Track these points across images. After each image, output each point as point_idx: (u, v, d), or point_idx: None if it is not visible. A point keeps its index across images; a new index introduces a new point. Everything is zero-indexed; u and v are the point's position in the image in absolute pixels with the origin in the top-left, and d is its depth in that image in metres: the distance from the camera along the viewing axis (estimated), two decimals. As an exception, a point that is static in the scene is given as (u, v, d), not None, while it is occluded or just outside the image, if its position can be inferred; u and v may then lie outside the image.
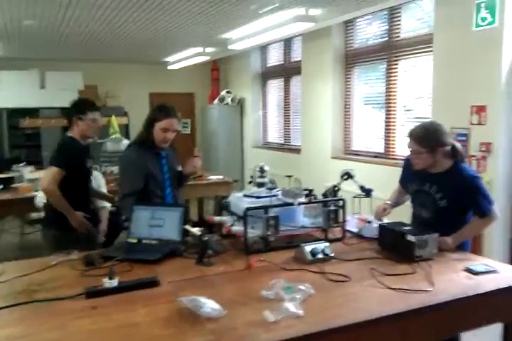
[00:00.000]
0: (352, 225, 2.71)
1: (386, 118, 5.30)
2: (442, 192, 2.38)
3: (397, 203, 2.75)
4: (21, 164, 5.16)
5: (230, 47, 5.58)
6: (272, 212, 2.34)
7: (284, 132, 7.56)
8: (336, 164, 5.96)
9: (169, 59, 8.14)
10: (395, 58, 5.10)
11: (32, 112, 7.67)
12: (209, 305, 1.61)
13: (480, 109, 3.84)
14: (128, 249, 2.32)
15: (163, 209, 2.44)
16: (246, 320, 1.58)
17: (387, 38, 5.18)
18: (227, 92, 8.38)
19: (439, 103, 4.31)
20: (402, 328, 1.67)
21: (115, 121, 6.03)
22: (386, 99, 5.27)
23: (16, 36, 5.96)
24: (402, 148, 5.08)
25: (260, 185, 2.43)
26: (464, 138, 3.97)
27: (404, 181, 2.69)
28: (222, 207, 2.60)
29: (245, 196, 2.51)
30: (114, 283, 1.86)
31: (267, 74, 7.94)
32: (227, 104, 8.35)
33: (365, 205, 2.84)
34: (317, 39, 6.10)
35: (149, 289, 1.89)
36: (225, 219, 2.53)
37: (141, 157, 2.72)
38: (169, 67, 8.47)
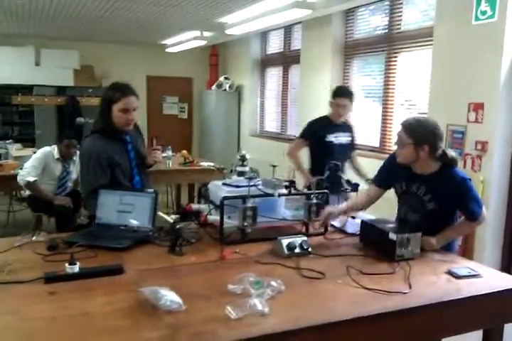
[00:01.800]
0: (336, 220, 2.61)
1: (383, 111, 5.19)
2: (431, 195, 2.25)
3: (350, 208, 2.50)
4: (8, 141, 5.04)
5: (227, 31, 5.44)
6: (251, 203, 2.24)
7: (281, 122, 7.43)
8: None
9: (167, 42, 7.99)
10: (394, 51, 4.98)
11: (26, 89, 7.57)
12: (168, 298, 1.51)
13: (477, 107, 3.73)
14: (95, 235, 2.21)
15: (132, 194, 2.33)
16: (207, 315, 1.49)
17: (387, 30, 5.04)
18: (226, 78, 8.24)
19: (436, 99, 4.20)
20: (371, 332, 1.57)
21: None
22: (384, 93, 5.15)
23: (12, 12, 5.81)
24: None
25: (241, 173, 2.32)
26: (459, 136, 3.87)
27: (386, 179, 2.46)
28: (202, 194, 2.50)
29: (224, 184, 2.41)
30: (75, 268, 1.77)
31: (267, 62, 7.79)
32: (225, 90, 8.22)
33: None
34: (317, 28, 5.96)
35: (113, 277, 1.79)
36: (203, 207, 2.43)
37: (104, 147, 2.45)
38: (167, 50, 8.31)
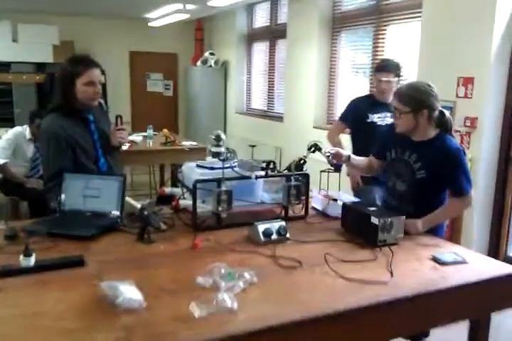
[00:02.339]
0: (317, 202, 2.48)
1: (370, 87, 5.01)
2: (421, 162, 2.16)
3: (356, 164, 2.47)
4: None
5: (209, 3, 5.19)
6: (226, 186, 2.10)
7: (267, 99, 7.24)
8: (319, 134, 5.70)
9: (150, 15, 7.68)
10: (383, 23, 4.78)
11: (3, 67, 7.29)
12: (127, 295, 1.38)
13: (467, 81, 3.58)
14: (58, 223, 2.07)
15: (98, 177, 2.17)
16: (169, 313, 1.36)
17: (376, 1, 4.83)
18: (211, 54, 7.99)
19: (424, 73, 4.02)
20: (348, 327, 1.46)
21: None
22: (371, 68, 4.97)
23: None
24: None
25: (216, 154, 2.17)
26: (448, 112, 3.72)
27: (382, 149, 2.39)
28: (176, 177, 2.36)
29: (198, 166, 2.27)
30: (30, 261, 1.63)
31: (253, 37, 7.54)
32: (210, 66, 7.97)
33: (334, 181, 2.61)
34: (304, 0, 5.72)
35: (73, 269, 1.66)
36: (177, 190, 2.29)
37: (63, 126, 2.27)
38: (150, 24, 8.01)
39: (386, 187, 2.42)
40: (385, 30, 4.79)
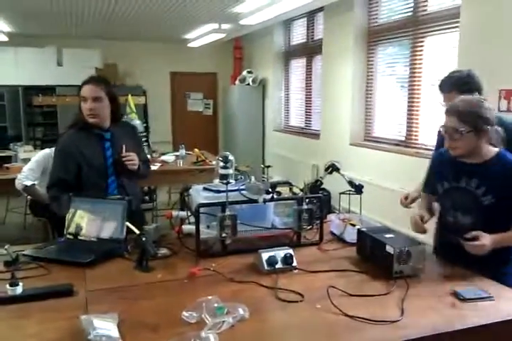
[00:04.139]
0: (335, 226, 2.32)
1: (409, 102, 4.79)
2: (486, 186, 1.88)
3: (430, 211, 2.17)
4: (19, 143, 4.98)
5: (241, 22, 5.17)
6: (232, 210, 1.98)
7: (305, 115, 7.11)
8: (355, 151, 5.53)
9: (188, 36, 7.79)
10: (420, 35, 4.58)
11: (49, 90, 7.56)
12: (100, 332, 1.28)
13: (510, 94, 3.32)
14: (60, 248, 2.01)
15: (103, 201, 2.12)
16: (142, 354, 1.25)
17: (412, 13, 4.64)
18: (249, 72, 7.98)
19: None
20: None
21: (132, 100, 5.75)
22: (410, 82, 4.75)
23: (32, 13, 5.77)
24: (426, 135, 4.59)
25: (223, 177, 2.06)
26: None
27: (434, 182, 2.09)
28: (183, 200, 2.26)
29: (204, 189, 2.16)
30: (17, 290, 1.57)
31: (290, 54, 7.47)
32: (248, 84, 7.95)
33: (355, 203, 2.44)
34: (339, 14, 5.61)
35: (60, 299, 1.58)
36: (184, 214, 2.19)
37: (76, 141, 2.37)
38: (189, 45, 8.12)
39: (443, 225, 2.10)
40: (422, 41, 4.59)
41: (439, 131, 2.18)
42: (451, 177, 1.98)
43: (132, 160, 2.38)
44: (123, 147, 2.39)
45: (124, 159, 2.36)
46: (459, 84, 2.32)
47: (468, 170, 1.93)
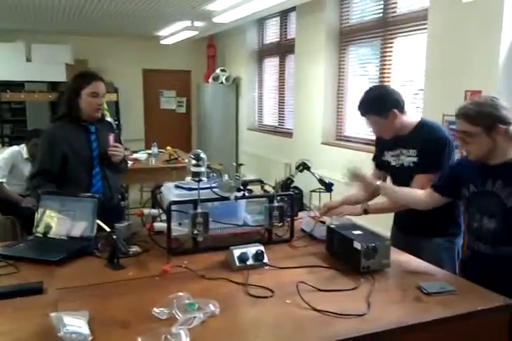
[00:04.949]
0: (305, 224, 2.36)
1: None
2: (510, 187, 1.78)
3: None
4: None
5: (214, 19, 5.17)
6: (204, 208, 2.00)
7: (278, 114, 7.16)
8: (326, 150, 5.59)
9: (161, 33, 7.73)
10: (390, 36, 4.66)
11: (17, 86, 7.39)
12: (70, 329, 1.28)
13: (474, 95, 3.42)
14: (29, 246, 1.99)
15: (73, 199, 2.10)
16: (112, 350, 1.26)
17: (382, 14, 4.73)
18: (222, 71, 7.97)
19: (431, 87, 3.89)
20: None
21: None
22: (380, 82, 4.84)
23: (0, 7, 5.63)
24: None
25: (195, 174, 2.07)
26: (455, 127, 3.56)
27: (456, 188, 1.98)
28: (155, 198, 2.27)
29: (176, 187, 2.17)
30: (-15, 289, 1.56)
31: (264, 52, 7.50)
32: (221, 82, 7.95)
33: (325, 201, 2.48)
34: (311, 14, 5.66)
35: (29, 298, 1.57)
36: (155, 212, 2.20)
37: (62, 133, 2.46)
38: (162, 42, 8.06)
39: (470, 231, 1.99)
40: (392, 42, 4.68)
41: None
42: (479, 183, 1.89)
43: (119, 151, 2.51)
44: (110, 138, 2.52)
45: (113, 149, 2.47)
46: (371, 107, 2.25)
47: (490, 171, 1.85)
